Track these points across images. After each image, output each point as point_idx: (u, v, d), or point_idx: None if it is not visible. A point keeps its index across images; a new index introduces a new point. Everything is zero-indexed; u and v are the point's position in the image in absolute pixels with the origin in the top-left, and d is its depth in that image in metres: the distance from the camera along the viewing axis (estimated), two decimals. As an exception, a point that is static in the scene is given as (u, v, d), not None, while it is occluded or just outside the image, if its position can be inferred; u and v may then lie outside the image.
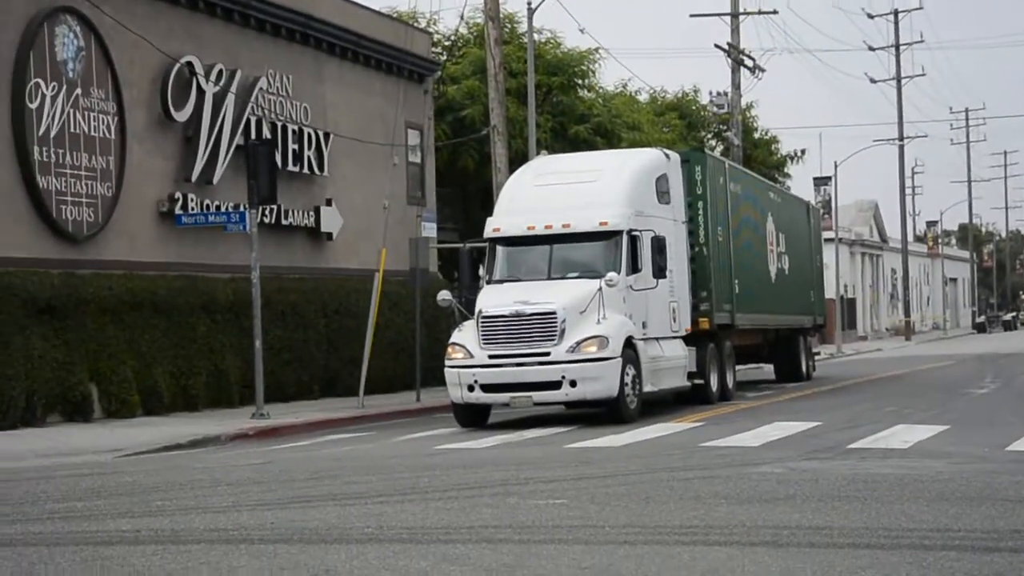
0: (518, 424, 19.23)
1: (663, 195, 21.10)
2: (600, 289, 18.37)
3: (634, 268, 19.36)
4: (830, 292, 51.57)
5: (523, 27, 35.33)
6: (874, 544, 7.67)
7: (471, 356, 18.50)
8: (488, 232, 20.10)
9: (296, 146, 27.10)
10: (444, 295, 20.15)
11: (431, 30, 37.36)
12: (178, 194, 23.85)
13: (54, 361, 20.57)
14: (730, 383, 23.38)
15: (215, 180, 24.62)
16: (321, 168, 27.89)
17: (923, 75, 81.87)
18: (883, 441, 14.05)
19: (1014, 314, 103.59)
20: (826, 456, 12.62)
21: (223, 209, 24.25)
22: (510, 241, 19.86)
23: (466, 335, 18.80)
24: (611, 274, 18.62)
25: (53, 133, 21.13)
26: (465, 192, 37.39)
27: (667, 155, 21.94)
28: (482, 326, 18.52)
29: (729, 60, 43.89)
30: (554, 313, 18.25)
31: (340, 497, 10.58)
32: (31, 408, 20.06)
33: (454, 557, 7.60)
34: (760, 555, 7.40)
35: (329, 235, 28.32)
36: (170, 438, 18.13)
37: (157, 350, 22.74)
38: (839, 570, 6.90)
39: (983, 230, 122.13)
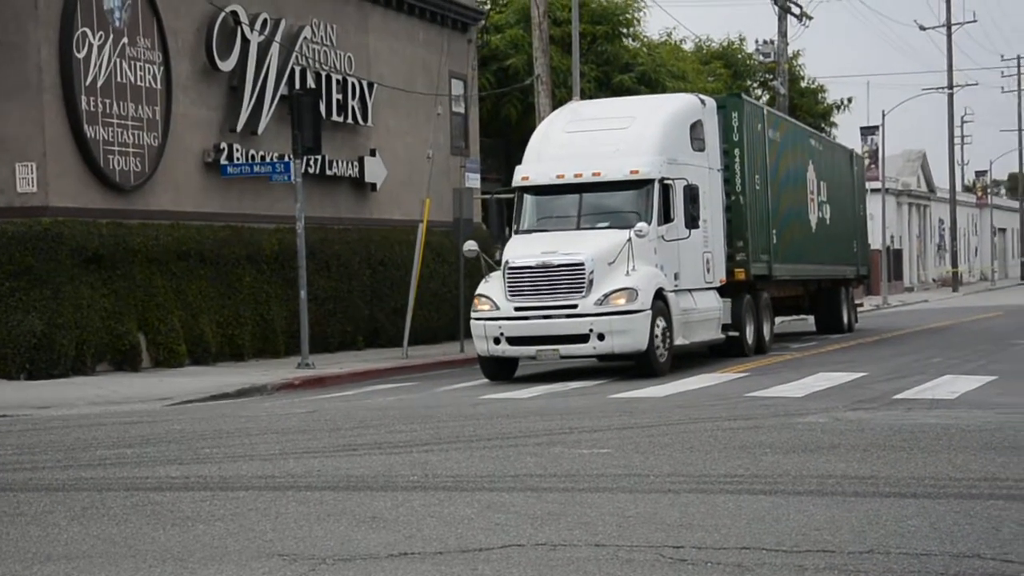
0: (562, 375, 19.26)
1: (697, 142, 20.56)
2: (630, 240, 17.97)
3: (666, 218, 18.92)
4: (876, 243, 51.15)
5: (567, -25, 35.03)
6: (920, 493, 7.65)
7: (497, 308, 18.14)
8: (516, 181, 19.62)
9: (340, 96, 27.10)
10: (470, 245, 19.83)
11: (475, -21, 37.13)
12: (223, 144, 23.94)
13: (103, 310, 20.80)
14: (767, 335, 22.90)
15: (260, 130, 24.68)
16: (365, 118, 27.89)
17: (974, 21, 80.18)
18: (929, 391, 13.97)
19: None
20: (871, 406, 12.57)
21: (268, 159, 24.32)
22: (539, 190, 19.37)
23: (492, 287, 18.45)
24: (640, 224, 18.18)
25: (100, 83, 21.23)
26: (509, 142, 37.28)
27: (702, 101, 21.39)
28: (508, 277, 18.15)
29: (776, 7, 43.35)
30: (582, 264, 17.84)
31: (385, 445, 10.66)
32: (81, 357, 20.31)
33: (499, 505, 7.64)
34: (805, 504, 7.40)
35: (373, 186, 28.36)
36: (217, 387, 18.31)
37: (203, 300, 22.92)
38: (885, 519, 6.89)
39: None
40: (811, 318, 30.24)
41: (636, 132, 19.58)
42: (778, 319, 26.96)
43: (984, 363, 18.33)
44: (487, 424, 12.01)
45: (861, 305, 35.87)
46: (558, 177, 19.21)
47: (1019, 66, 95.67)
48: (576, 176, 19.08)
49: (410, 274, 24.84)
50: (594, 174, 19.01)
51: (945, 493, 7.64)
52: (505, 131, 36.80)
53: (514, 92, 35.16)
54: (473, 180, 30.43)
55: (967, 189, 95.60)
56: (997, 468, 8.47)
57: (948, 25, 72.22)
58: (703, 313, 20.09)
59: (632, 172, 18.90)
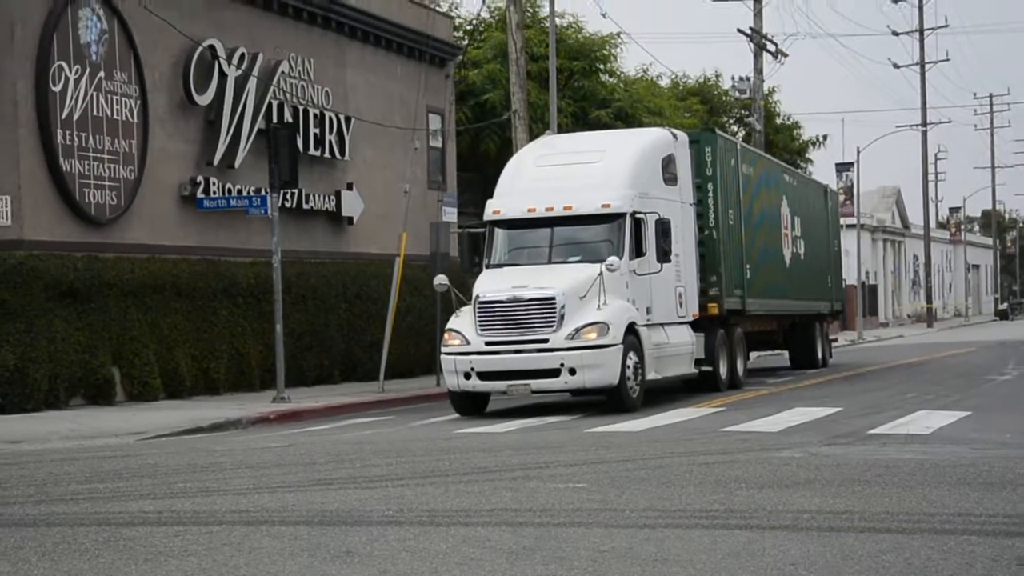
0: (537, 409, 19.23)
1: (670, 176, 20.50)
2: (601, 274, 17.84)
3: (638, 252, 18.80)
4: (851, 278, 51.39)
5: (545, 11, 35.30)
6: (895, 528, 7.66)
7: (468, 343, 18.00)
8: (487, 215, 19.48)
9: (317, 130, 27.14)
10: (440, 279, 19.73)
11: (453, 14, 37.36)
12: (200, 178, 23.91)
13: (77, 344, 20.68)
14: (740, 370, 22.85)
15: (237, 164, 24.67)
16: (342, 152, 27.92)
17: (947, 60, 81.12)
18: (904, 427, 14.01)
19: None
20: (847, 441, 12.60)
21: (244, 193, 24.31)
22: (510, 224, 19.27)
23: (463, 321, 18.30)
24: (612, 258, 18.05)
25: (76, 116, 21.21)
26: (486, 177, 37.32)
27: (674, 135, 21.32)
28: (479, 312, 18.01)
29: (751, 45, 43.70)
30: (553, 298, 17.71)
31: (360, 480, 10.61)
32: (54, 391, 20.17)
33: (474, 539, 7.61)
34: (780, 539, 7.40)
35: (350, 219, 28.36)
36: (191, 421, 18.21)
37: (179, 334, 22.83)
38: (859, 554, 6.89)
39: (1006, 216, 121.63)
40: (785, 353, 30.29)
41: (607, 166, 19.51)
42: (752, 354, 27.02)
43: (958, 398, 18.40)
44: (463, 458, 11.97)
45: (836, 340, 36.05)
46: (529, 211, 19.12)
47: (991, 105, 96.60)
48: (547, 210, 19.00)
49: (387, 308, 24.81)
50: (565, 208, 18.93)
51: (919, 528, 7.65)
52: (483, 166, 36.86)
53: (491, 127, 35.27)
54: (450, 214, 30.45)
55: (941, 226, 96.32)
56: (971, 504, 8.50)
57: (922, 64, 72.93)
58: (676, 347, 20.00)
59: (603, 206, 18.82)
